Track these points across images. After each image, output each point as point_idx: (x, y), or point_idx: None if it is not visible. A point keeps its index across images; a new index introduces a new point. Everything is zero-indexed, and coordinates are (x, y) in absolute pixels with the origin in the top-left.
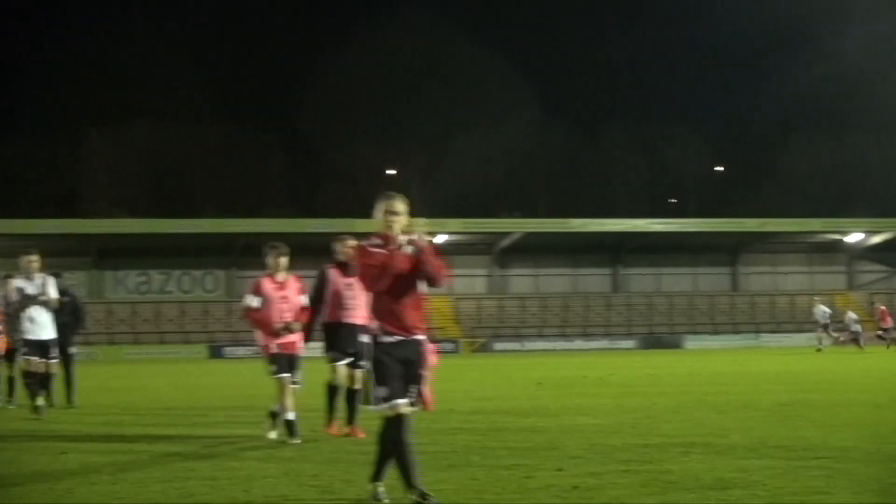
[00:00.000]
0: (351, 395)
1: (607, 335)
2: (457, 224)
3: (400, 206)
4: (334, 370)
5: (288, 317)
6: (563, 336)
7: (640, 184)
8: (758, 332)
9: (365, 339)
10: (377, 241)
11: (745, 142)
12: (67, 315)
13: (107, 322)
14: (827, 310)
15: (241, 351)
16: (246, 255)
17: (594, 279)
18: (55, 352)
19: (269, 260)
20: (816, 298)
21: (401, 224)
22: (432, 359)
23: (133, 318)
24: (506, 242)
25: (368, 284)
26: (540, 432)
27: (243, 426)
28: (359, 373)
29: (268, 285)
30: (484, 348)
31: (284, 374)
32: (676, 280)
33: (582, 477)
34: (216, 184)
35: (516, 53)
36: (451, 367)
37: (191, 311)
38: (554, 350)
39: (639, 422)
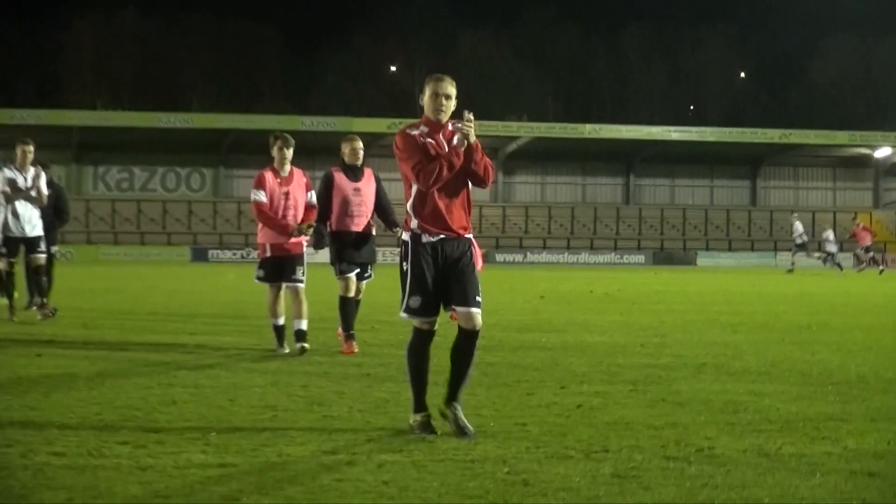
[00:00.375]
0: (351, 303)
1: (616, 249)
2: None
3: (452, 88)
4: (345, 283)
5: (291, 215)
6: (570, 248)
7: (658, 89)
8: (776, 250)
9: (404, 235)
10: (424, 128)
11: (770, 46)
12: (49, 210)
13: (85, 220)
14: (800, 227)
15: (226, 255)
16: (235, 152)
17: (604, 189)
18: (42, 246)
19: (274, 151)
20: (795, 214)
21: (450, 111)
22: (479, 253)
23: (113, 217)
24: (511, 147)
25: (425, 180)
26: (542, 349)
27: (229, 334)
28: (363, 284)
29: (271, 179)
30: (485, 259)
31: (271, 283)
32: (692, 193)
33: (586, 396)
34: (205, 77)
35: None
36: None
37: (174, 211)
38: (559, 263)
39: (647, 340)
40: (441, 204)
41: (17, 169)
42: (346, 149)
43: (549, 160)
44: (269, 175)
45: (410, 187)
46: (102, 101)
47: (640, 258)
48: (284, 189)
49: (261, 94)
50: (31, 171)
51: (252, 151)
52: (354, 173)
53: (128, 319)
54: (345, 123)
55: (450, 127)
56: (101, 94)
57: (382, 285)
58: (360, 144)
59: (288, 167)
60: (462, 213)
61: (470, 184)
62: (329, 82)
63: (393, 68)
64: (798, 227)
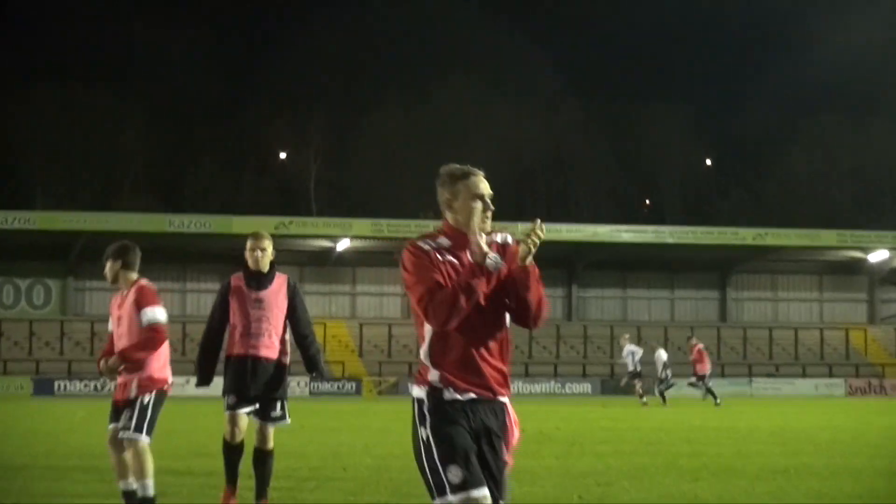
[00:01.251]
0: (260, 458)
1: (556, 375)
2: (363, 227)
3: (486, 186)
4: (232, 421)
5: (122, 345)
6: None
7: (605, 179)
8: (750, 375)
9: (416, 392)
10: (445, 241)
11: (741, 130)
12: None
13: None
14: (636, 349)
15: (76, 387)
16: (88, 259)
17: None
18: None
19: (107, 270)
20: (626, 336)
21: (486, 217)
22: (516, 433)
23: None
24: None
25: (436, 314)
26: None
27: (71, 497)
28: (271, 428)
29: (113, 301)
30: (395, 390)
31: (111, 425)
32: (648, 306)
33: None
34: (50, 165)
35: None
36: (349, 413)
37: (12, 332)
38: None
39: (587, 490)
40: (468, 347)
41: None
42: (251, 248)
43: None
44: (113, 299)
45: (423, 325)
46: None
47: (586, 387)
48: (118, 313)
49: (119, 186)
50: None
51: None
52: (258, 280)
53: None
54: (222, 224)
55: (499, 238)
56: None
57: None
58: (267, 243)
59: (124, 283)
60: (498, 361)
61: (507, 317)
62: (204, 171)
63: (283, 155)
64: (628, 349)
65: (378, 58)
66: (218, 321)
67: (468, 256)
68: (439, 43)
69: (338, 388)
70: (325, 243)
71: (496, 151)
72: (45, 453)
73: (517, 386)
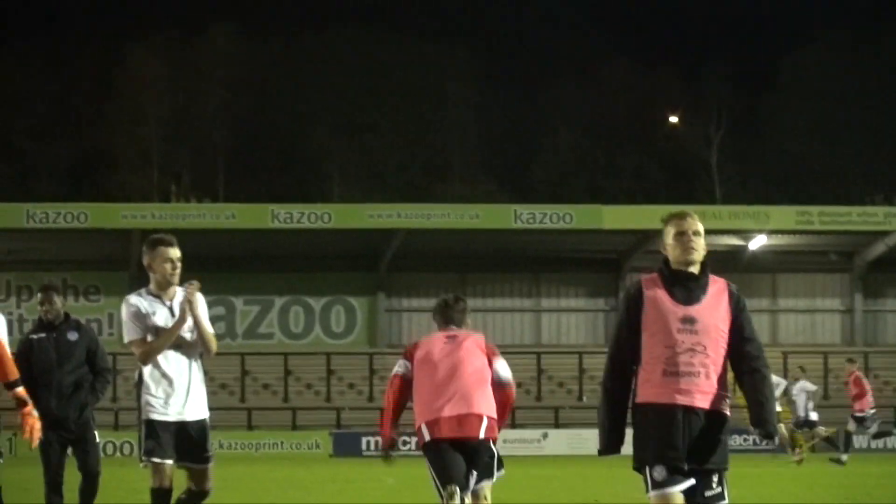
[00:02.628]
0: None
1: None
2: (785, 217)
3: None
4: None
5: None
6: None
7: None
8: None
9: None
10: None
11: None
12: None
13: None
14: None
15: None
16: (403, 268)
17: None
18: None
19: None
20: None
21: None
22: None
23: None
24: None
25: None
26: None
27: None
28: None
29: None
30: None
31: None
32: None
33: None
34: (351, 141)
35: None
36: (766, 475)
37: (303, 371)
38: None
39: None
40: None
41: None
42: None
43: None
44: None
45: None
46: None
47: None
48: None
49: (445, 169)
50: None
51: None
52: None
53: None
54: (590, 216)
55: None
56: None
57: None
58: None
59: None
60: None
61: None
62: (561, 147)
63: (673, 119)
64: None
65: None
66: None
67: None
68: None
69: (753, 442)
70: (735, 241)
71: None
72: None
73: None
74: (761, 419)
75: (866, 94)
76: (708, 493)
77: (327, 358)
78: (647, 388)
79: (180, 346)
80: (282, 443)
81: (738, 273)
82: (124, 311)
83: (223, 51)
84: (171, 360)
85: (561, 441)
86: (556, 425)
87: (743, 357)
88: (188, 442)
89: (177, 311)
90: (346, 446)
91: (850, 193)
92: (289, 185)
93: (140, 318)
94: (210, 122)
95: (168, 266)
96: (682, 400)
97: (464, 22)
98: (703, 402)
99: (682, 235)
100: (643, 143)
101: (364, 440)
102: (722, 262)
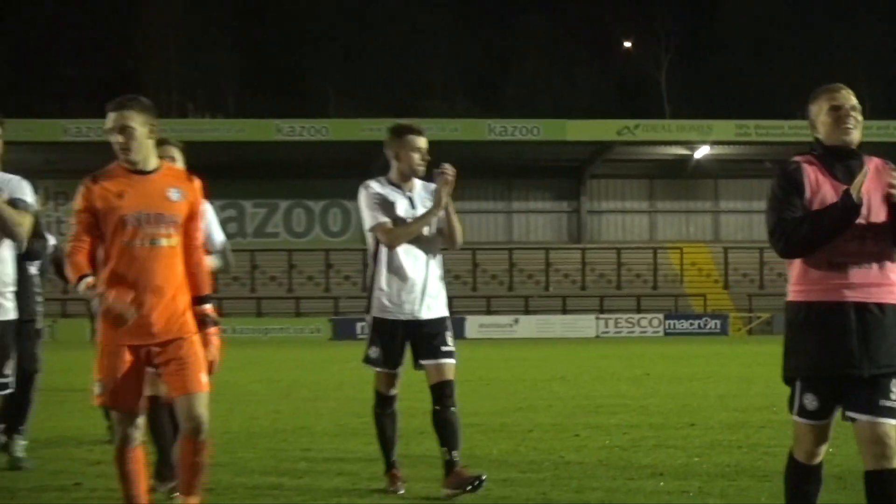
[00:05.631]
0: None
1: None
2: (725, 129)
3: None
4: None
5: None
6: None
7: None
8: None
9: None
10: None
11: None
12: None
13: None
14: None
15: None
16: None
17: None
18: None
19: None
20: None
21: None
22: None
23: None
24: None
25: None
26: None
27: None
28: None
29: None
30: (768, 328)
31: None
32: None
33: None
34: (346, 64)
35: None
36: (708, 357)
37: (305, 265)
38: None
39: None
40: None
41: None
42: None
43: None
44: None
45: None
46: None
47: None
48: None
49: (427, 88)
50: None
51: None
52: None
53: None
54: (555, 129)
55: None
56: None
57: None
58: None
59: None
60: None
61: None
62: (529, 68)
63: (627, 44)
64: None
65: None
66: None
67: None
68: None
69: (698, 326)
70: (681, 151)
71: None
72: (330, 412)
73: None
74: None
75: (799, 18)
76: (883, 403)
77: (326, 254)
78: (808, 284)
79: (419, 239)
80: (287, 328)
81: (683, 179)
82: (364, 197)
83: None
84: (409, 255)
85: (531, 326)
86: (526, 312)
87: None
88: (423, 340)
89: (417, 203)
90: (344, 331)
91: (783, 108)
92: (291, 102)
93: (386, 204)
94: (221, 47)
95: (416, 156)
96: (852, 296)
97: None
98: (877, 296)
99: (837, 110)
100: (601, 65)
101: (359, 325)
102: (670, 168)
